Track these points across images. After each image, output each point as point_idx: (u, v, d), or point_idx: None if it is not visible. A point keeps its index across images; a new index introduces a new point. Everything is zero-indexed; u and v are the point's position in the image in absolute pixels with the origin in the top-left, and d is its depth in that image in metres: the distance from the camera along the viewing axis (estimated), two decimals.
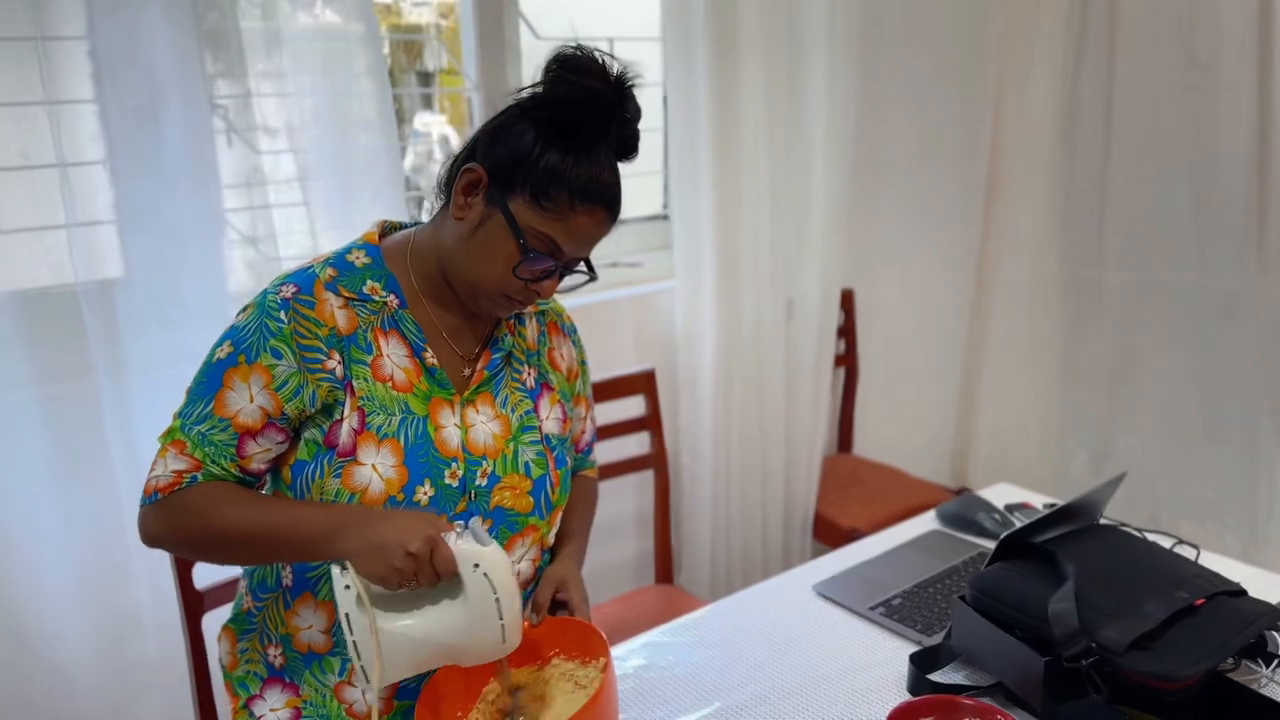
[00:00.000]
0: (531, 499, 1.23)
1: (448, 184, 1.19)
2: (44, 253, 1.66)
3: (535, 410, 1.27)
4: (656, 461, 2.17)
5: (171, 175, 1.65)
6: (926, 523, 1.78)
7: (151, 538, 1.13)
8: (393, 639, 1.03)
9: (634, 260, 2.54)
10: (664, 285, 2.49)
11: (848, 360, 2.87)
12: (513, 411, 1.25)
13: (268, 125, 1.78)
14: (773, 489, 2.62)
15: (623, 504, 2.50)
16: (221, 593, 1.58)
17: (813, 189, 2.50)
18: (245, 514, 1.09)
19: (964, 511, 1.74)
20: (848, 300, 2.82)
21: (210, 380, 1.11)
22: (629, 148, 1.16)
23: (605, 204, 1.14)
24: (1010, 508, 1.77)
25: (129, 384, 1.67)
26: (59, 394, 1.65)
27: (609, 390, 2.05)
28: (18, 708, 1.70)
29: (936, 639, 1.38)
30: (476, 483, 1.19)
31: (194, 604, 1.56)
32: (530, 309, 1.32)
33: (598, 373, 1.90)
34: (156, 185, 1.64)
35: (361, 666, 1.04)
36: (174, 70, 1.62)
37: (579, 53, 1.11)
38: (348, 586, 1.03)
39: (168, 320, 1.68)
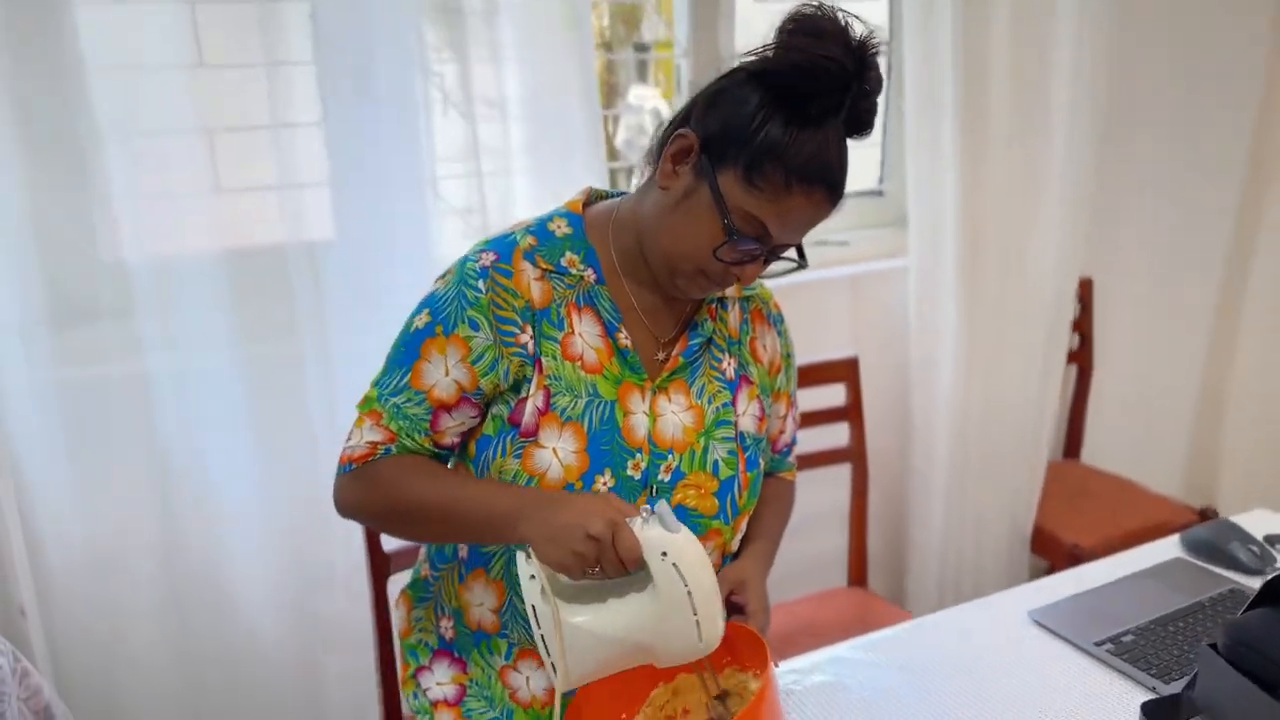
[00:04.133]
0: (716, 501, 1.14)
1: (658, 151, 1.10)
2: (257, 213, 1.71)
3: (733, 404, 1.18)
4: (855, 455, 2.04)
5: (383, 141, 1.66)
6: (1168, 549, 1.56)
7: (345, 507, 1.13)
8: (577, 634, 0.96)
9: (842, 239, 2.39)
10: (888, 265, 2.33)
11: (1081, 356, 2.61)
12: (709, 403, 1.16)
13: (481, 95, 1.77)
14: (992, 495, 2.41)
15: (817, 498, 2.37)
16: (407, 556, 1.59)
17: (1053, 165, 2.27)
18: (432, 489, 1.07)
19: (1215, 539, 1.51)
20: (1085, 290, 2.56)
21: (408, 350, 1.09)
22: (864, 123, 1.03)
23: (826, 186, 1.02)
24: (1271, 539, 1.53)
25: (332, 347, 1.70)
26: (264, 354, 1.70)
27: (807, 376, 1.93)
28: (216, 645, 1.79)
29: (1175, 687, 1.19)
30: (659, 477, 1.11)
31: (381, 565, 1.57)
32: (733, 293, 1.22)
33: (803, 357, 1.78)
34: (368, 150, 1.65)
35: (551, 664, 0.97)
36: (391, 36, 1.63)
37: (819, 13, 1.00)
38: (532, 576, 0.97)
39: (373, 285, 1.70)
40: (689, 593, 0.95)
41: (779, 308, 1.29)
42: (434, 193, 1.75)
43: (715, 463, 1.14)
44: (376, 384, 1.11)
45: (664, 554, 0.94)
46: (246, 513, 1.74)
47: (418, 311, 1.11)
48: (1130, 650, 1.28)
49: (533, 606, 0.97)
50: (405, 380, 1.08)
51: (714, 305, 1.20)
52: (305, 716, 1.87)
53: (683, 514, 1.12)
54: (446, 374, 1.07)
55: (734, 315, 1.22)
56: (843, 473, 2.05)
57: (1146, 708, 1.13)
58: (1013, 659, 1.30)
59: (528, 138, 1.79)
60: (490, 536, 1.05)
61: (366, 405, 1.11)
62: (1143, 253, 2.68)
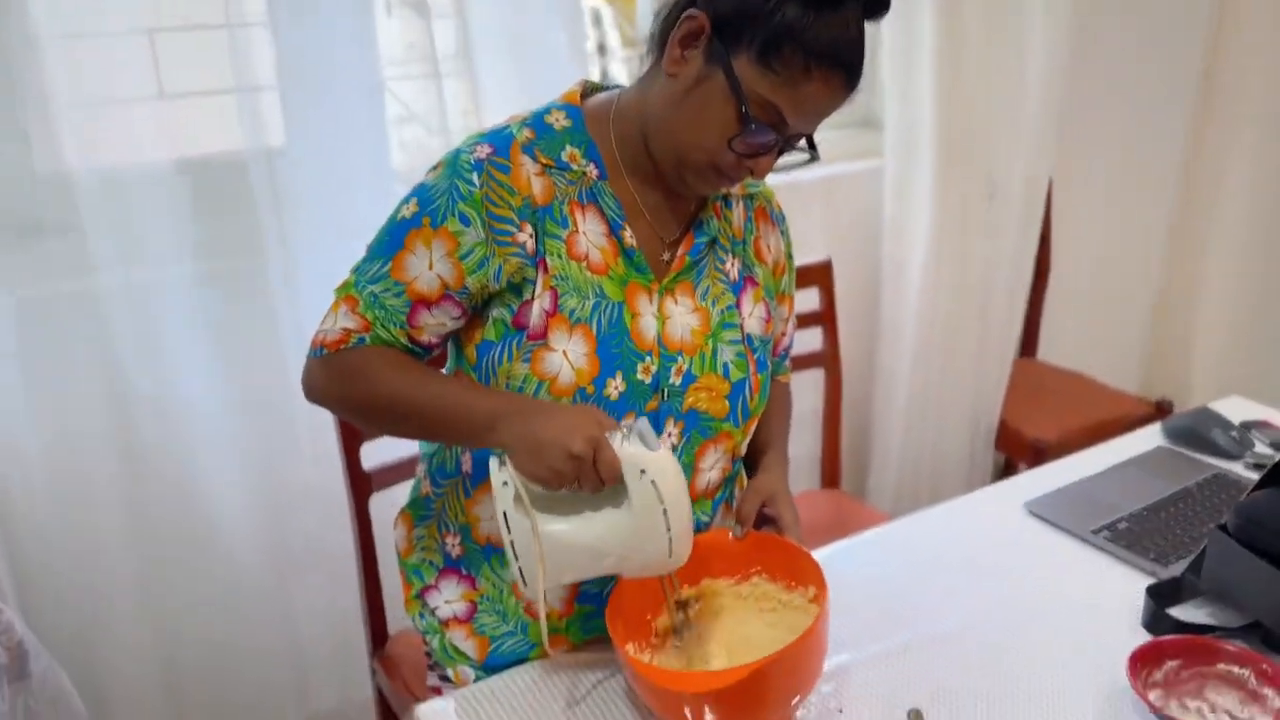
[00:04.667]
0: (728, 404, 1.11)
1: (662, 34, 1.03)
2: (207, 120, 1.61)
3: (738, 306, 1.14)
4: (829, 360, 2.03)
5: (330, 38, 1.55)
6: (1150, 438, 1.59)
7: (312, 392, 1.08)
8: (550, 542, 0.95)
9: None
10: (861, 166, 2.30)
11: (1039, 256, 2.62)
12: (713, 305, 1.12)
13: None
14: (958, 394, 2.43)
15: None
16: (389, 474, 1.55)
17: (1029, 68, 2.23)
18: (407, 385, 1.03)
19: (1195, 427, 1.54)
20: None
21: (392, 239, 1.03)
22: (882, 3, 0.98)
23: (845, 69, 0.97)
24: (1247, 425, 1.56)
25: (297, 258, 1.62)
26: (227, 269, 1.62)
27: None
28: (188, 568, 1.74)
29: (1174, 570, 1.22)
30: (670, 381, 1.08)
31: (361, 484, 1.53)
32: (738, 190, 1.18)
33: None
34: (315, 47, 1.54)
35: (520, 569, 0.97)
36: None
37: None
38: (505, 483, 0.95)
39: (328, 194, 1.61)
40: (665, 510, 0.94)
41: (781, 206, 1.25)
42: (383, 94, 1.65)
43: (725, 365, 1.11)
44: (356, 270, 1.06)
45: (642, 471, 0.93)
46: (214, 433, 1.67)
47: (406, 200, 1.04)
48: (1126, 536, 1.30)
49: (504, 513, 0.95)
50: (385, 269, 1.02)
51: (719, 203, 1.15)
52: (285, 641, 1.83)
53: (695, 418, 1.09)
54: (430, 268, 1.01)
55: (738, 214, 1.17)
56: (815, 377, 2.04)
57: (1152, 591, 1.15)
58: (1011, 551, 1.31)
59: (494, 35, 1.69)
60: (464, 438, 1.03)
61: (343, 290, 1.06)
62: (1101, 154, 2.69)
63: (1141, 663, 1.03)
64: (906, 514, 1.36)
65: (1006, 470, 2.64)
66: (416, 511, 1.21)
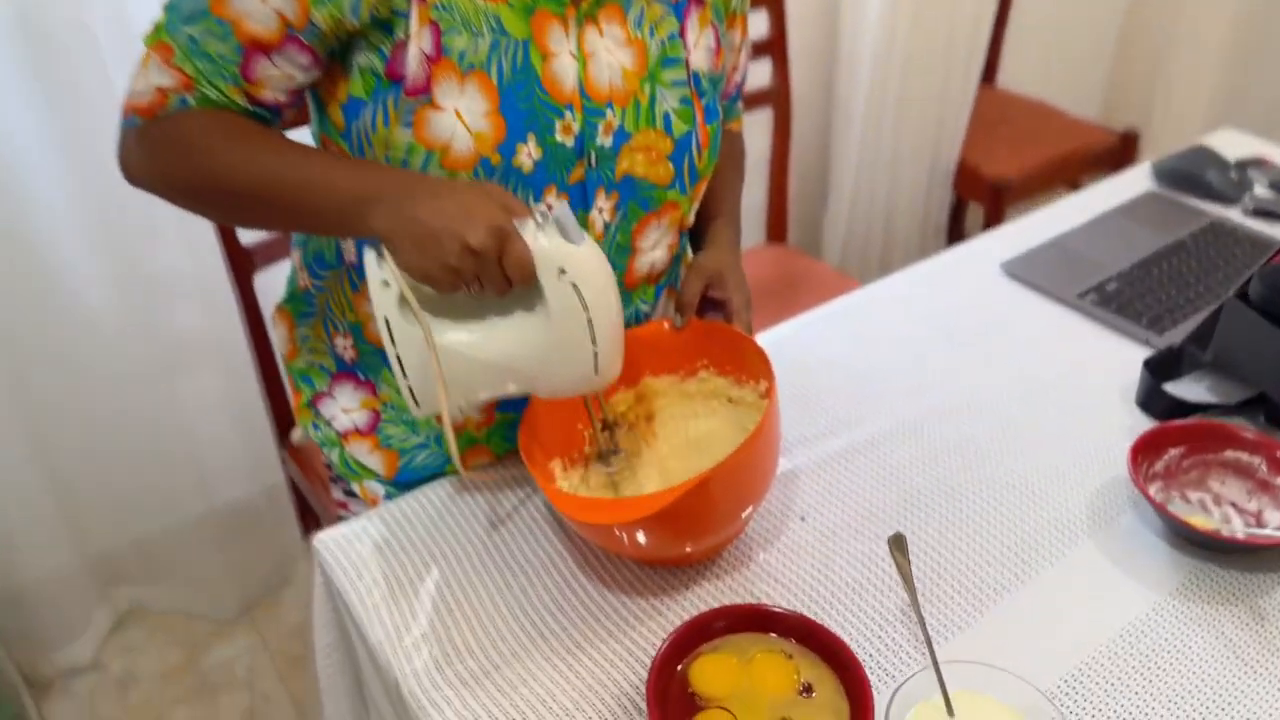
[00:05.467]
0: (672, 166, 0.90)
1: None
2: None
3: (680, 35, 0.90)
4: (779, 97, 1.79)
5: None
6: (1138, 182, 1.42)
7: (130, 172, 0.84)
8: (446, 357, 0.77)
9: None
10: None
11: None
12: (650, 34, 0.87)
13: None
14: (917, 129, 2.22)
15: None
16: (275, 248, 1.33)
17: None
18: (248, 159, 0.79)
19: (1189, 168, 1.37)
20: None
21: None
22: None
23: None
24: (1244, 163, 1.40)
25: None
26: (39, 14, 1.30)
27: None
28: (69, 378, 1.54)
29: (1171, 338, 1.09)
30: (599, 141, 0.85)
31: (242, 263, 1.31)
32: None
33: None
34: None
35: (410, 388, 0.79)
36: None
37: None
38: (387, 283, 0.75)
39: None
40: (589, 321, 0.76)
41: None
42: None
43: (667, 116, 0.89)
44: (167, 8, 0.79)
45: (561, 271, 0.74)
46: (55, 210, 1.41)
47: None
48: (1116, 299, 1.16)
49: (385, 319, 0.76)
50: (203, 4, 0.76)
51: None
52: (179, 438, 1.67)
53: (631, 187, 0.88)
54: (264, 0, 0.76)
55: None
56: (763, 118, 1.81)
57: (1151, 364, 1.02)
58: (989, 318, 1.17)
59: None
60: (330, 227, 0.80)
61: (154, 36, 0.80)
62: None
63: (1142, 454, 0.91)
64: (857, 267, 1.21)
65: (956, 214, 2.49)
66: (296, 308, 1.00)
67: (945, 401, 1.04)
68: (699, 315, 0.94)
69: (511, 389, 0.82)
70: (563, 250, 0.73)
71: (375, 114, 0.80)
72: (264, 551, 1.84)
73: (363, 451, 0.99)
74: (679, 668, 0.75)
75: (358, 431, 0.99)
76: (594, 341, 0.77)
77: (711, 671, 0.75)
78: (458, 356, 0.77)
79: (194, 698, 1.69)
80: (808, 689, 0.73)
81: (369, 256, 0.76)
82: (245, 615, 1.82)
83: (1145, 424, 1.00)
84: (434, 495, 0.96)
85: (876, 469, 0.96)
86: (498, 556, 0.89)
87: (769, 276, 1.75)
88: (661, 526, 0.78)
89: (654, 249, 0.93)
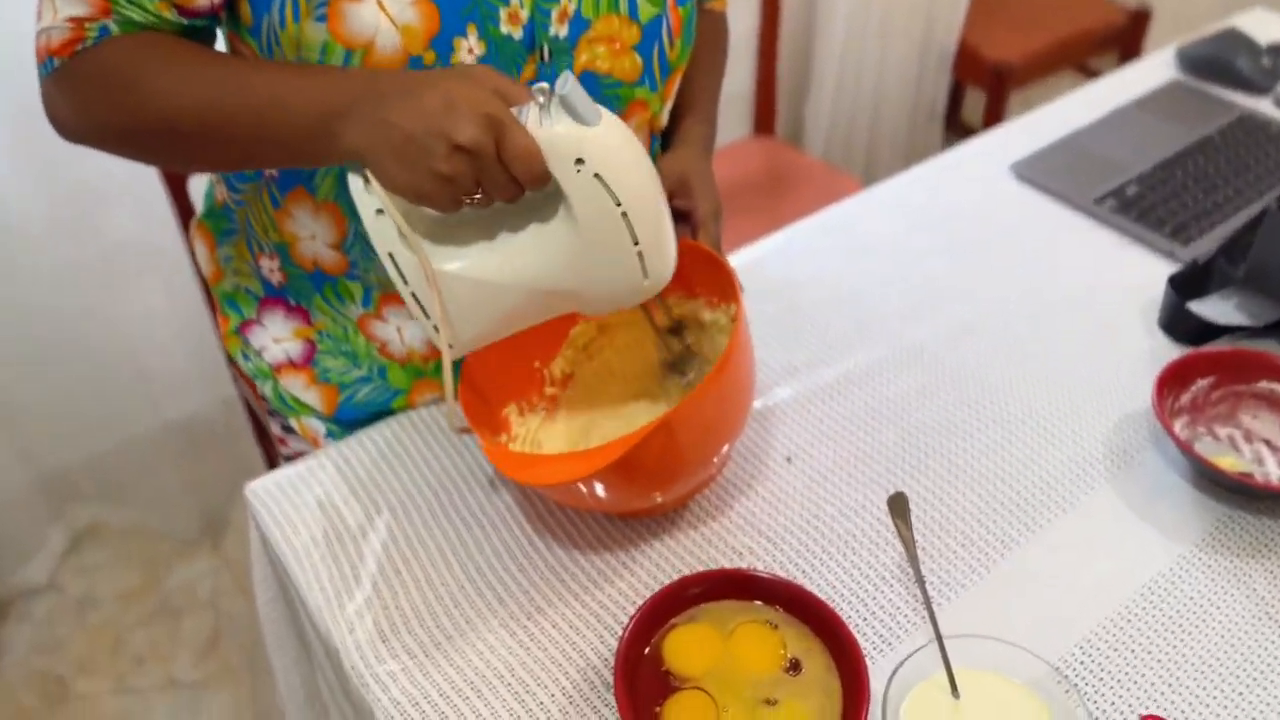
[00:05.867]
0: (639, 57, 0.77)
1: None
2: None
3: None
4: None
5: None
6: (1159, 69, 1.28)
7: (62, 126, 0.71)
8: (461, 286, 0.65)
9: None
10: None
11: None
12: None
13: None
14: (906, 2, 2.04)
15: None
16: None
17: None
18: (189, 86, 0.65)
19: (1218, 53, 1.24)
20: None
21: None
22: None
23: None
24: (1278, 48, 1.27)
25: None
26: None
27: None
28: (11, 315, 1.43)
29: (1197, 250, 0.98)
30: (552, 32, 0.72)
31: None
32: None
33: None
34: None
35: (434, 326, 0.67)
36: None
37: None
38: (379, 211, 0.62)
39: None
40: (624, 215, 0.63)
41: None
42: None
43: (631, 0, 0.75)
44: None
45: (579, 161, 0.60)
46: None
47: None
48: (1136, 205, 1.05)
49: (389, 255, 0.64)
50: None
51: None
52: (122, 351, 1.56)
53: (591, 84, 0.76)
54: None
55: None
56: None
57: (1176, 281, 0.92)
58: (996, 225, 1.06)
59: None
60: (296, 153, 0.67)
61: None
62: None
63: (1166, 387, 0.81)
64: (840, 156, 1.09)
65: (954, 100, 2.34)
66: (216, 225, 0.88)
67: (948, 324, 0.94)
68: None
69: (550, 313, 0.70)
70: (576, 135, 0.59)
71: (284, 6, 0.66)
72: (222, 467, 1.75)
73: (298, 386, 0.89)
74: (651, 641, 0.67)
75: (291, 364, 0.88)
76: (635, 240, 0.64)
77: (686, 646, 0.67)
78: (477, 285, 0.65)
79: (155, 620, 1.62)
80: (794, 665, 0.65)
81: (352, 182, 0.63)
82: (207, 534, 1.74)
83: (1168, 348, 0.90)
84: (379, 437, 0.86)
85: (872, 403, 0.87)
86: (450, 508, 0.80)
87: (755, 173, 1.62)
88: (622, 478, 0.68)
89: None
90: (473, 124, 0.57)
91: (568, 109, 0.59)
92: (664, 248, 0.67)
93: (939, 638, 0.65)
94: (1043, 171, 1.10)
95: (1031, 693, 0.63)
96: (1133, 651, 0.69)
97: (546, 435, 0.82)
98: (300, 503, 0.81)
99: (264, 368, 0.90)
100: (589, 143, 0.60)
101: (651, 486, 0.71)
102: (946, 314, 0.95)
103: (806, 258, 1.03)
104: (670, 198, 0.81)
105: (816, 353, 0.92)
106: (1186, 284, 0.92)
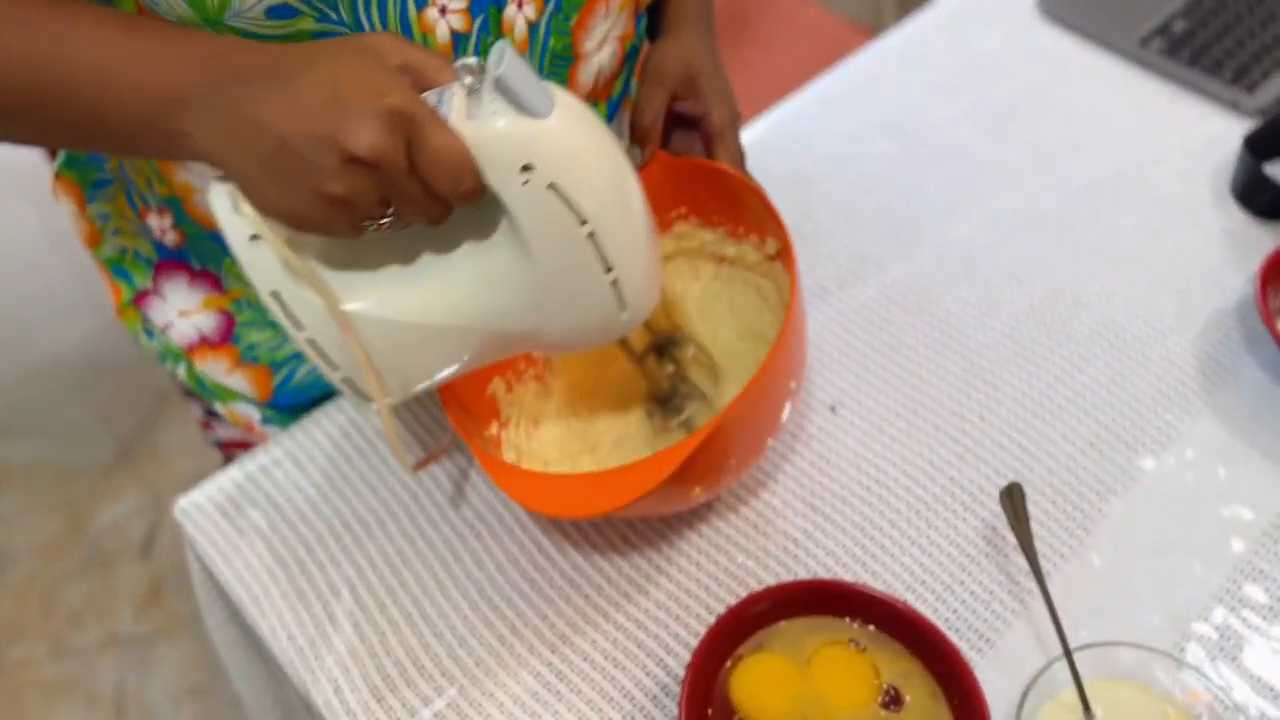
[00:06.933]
0: None
1: None
2: None
3: None
4: None
5: None
6: None
7: None
8: (380, 331, 0.47)
9: None
10: None
11: None
12: None
13: None
14: None
15: None
16: None
17: None
18: (17, 44, 0.45)
19: None
20: None
21: None
22: None
23: None
24: None
25: None
26: None
27: None
28: None
29: (1267, 94, 0.84)
30: None
31: None
32: None
33: None
34: None
35: (344, 380, 0.49)
36: None
37: None
38: (254, 236, 0.44)
39: None
40: (590, 235, 0.45)
41: None
42: None
43: None
44: None
45: (526, 169, 0.42)
46: None
47: None
48: (1189, 46, 0.89)
49: (273, 293, 0.46)
50: None
51: None
52: (4, 288, 1.35)
53: None
54: None
55: None
56: None
57: (1253, 141, 0.78)
58: (1026, 81, 0.90)
59: None
60: (137, 145, 0.48)
61: None
62: None
63: (1265, 281, 0.69)
64: None
65: None
66: (81, 175, 0.67)
67: (992, 216, 0.80)
68: (665, 144, 0.65)
69: (503, 354, 0.53)
70: (521, 132, 0.42)
71: None
72: (131, 388, 1.57)
73: (220, 371, 0.71)
74: (717, 679, 0.55)
75: (207, 343, 0.70)
76: (607, 266, 0.46)
77: (759, 683, 0.55)
78: (398, 328, 0.47)
79: (85, 572, 1.47)
80: (894, 698, 0.54)
81: (216, 196, 0.44)
82: (126, 461, 1.57)
83: (1246, 224, 0.78)
84: (330, 426, 0.70)
85: (922, 327, 0.73)
86: (436, 512, 0.65)
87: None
88: (662, 495, 0.54)
89: (599, 49, 0.62)
90: (372, 124, 0.39)
91: (506, 94, 0.41)
92: (645, 269, 0.49)
93: (1068, 653, 0.53)
94: (1075, 8, 0.93)
95: (1168, 698, 0.53)
96: (1265, 619, 0.59)
97: (542, 411, 0.66)
98: (246, 524, 0.65)
99: (173, 348, 0.71)
100: (539, 142, 0.42)
101: (696, 490, 0.57)
102: (987, 203, 0.80)
103: (811, 142, 0.86)
104: (673, 101, 0.64)
105: (846, 267, 0.77)
106: (1264, 142, 0.78)
